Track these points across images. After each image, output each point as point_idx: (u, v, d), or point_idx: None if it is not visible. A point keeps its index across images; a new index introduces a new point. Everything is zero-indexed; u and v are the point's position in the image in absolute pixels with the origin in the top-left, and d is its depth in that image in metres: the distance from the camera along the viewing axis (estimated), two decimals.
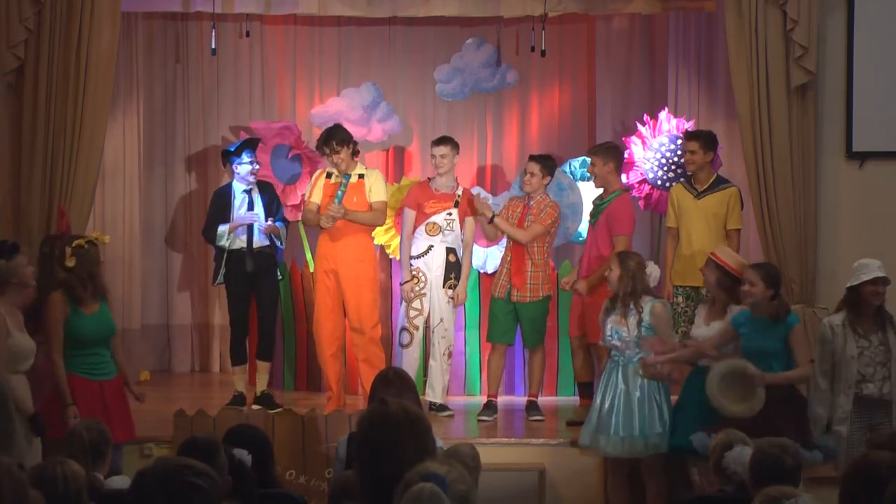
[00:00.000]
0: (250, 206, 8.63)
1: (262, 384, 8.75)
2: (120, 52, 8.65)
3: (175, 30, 10.53)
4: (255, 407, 8.52)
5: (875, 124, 8.54)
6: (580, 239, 9.39)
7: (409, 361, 8.64)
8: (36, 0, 7.96)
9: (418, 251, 8.70)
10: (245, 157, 8.66)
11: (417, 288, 8.67)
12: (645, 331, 7.20)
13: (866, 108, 8.51)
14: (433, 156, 8.75)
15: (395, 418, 3.16)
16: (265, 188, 8.79)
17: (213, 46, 9.24)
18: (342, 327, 8.70)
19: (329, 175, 8.62)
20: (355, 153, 8.61)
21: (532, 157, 8.68)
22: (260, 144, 9.70)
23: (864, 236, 8.41)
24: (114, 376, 6.97)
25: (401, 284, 8.78)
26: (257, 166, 8.76)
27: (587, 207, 9.07)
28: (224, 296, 9.12)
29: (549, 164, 8.62)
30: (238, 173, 8.67)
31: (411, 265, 8.69)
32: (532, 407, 8.55)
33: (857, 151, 8.56)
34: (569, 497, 7.80)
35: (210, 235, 8.64)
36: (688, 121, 9.30)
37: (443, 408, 8.63)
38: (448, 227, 8.68)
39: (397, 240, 9.29)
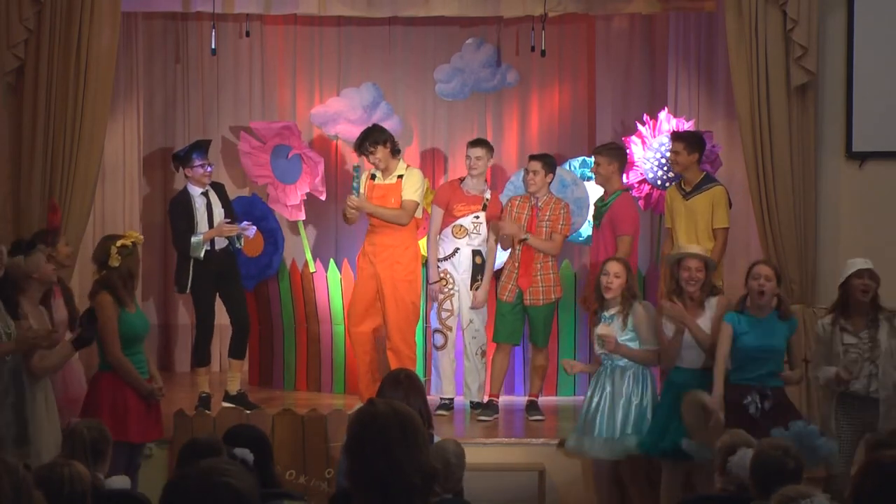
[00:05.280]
0: (209, 210, 8.53)
1: (235, 384, 8.64)
2: (120, 52, 8.64)
3: (175, 30, 10.53)
4: (225, 405, 8.43)
5: (875, 124, 8.54)
6: (580, 239, 9.39)
7: (444, 363, 8.75)
8: (36, 0, 7.96)
9: (445, 253, 8.73)
10: (196, 161, 8.54)
11: (447, 289, 8.70)
12: (629, 332, 7.24)
13: (866, 108, 8.51)
14: (468, 157, 8.72)
15: (384, 418, 3.15)
16: (218, 189, 8.70)
17: (213, 46, 9.22)
18: (372, 325, 8.64)
19: (373, 176, 8.60)
20: (395, 152, 8.57)
21: (533, 157, 8.67)
22: (260, 144, 9.72)
23: (864, 236, 8.41)
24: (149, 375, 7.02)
25: (429, 285, 8.81)
26: (210, 168, 8.64)
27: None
28: (217, 297, 8.97)
29: (550, 161, 8.63)
30: (191, 177, 8.57)
31: (438, 266, 8.73)
32: (532, 407, 8.56)
33: (857, 151, 8.56)
34: (569, 497, 7.80)
35: (183, 247, 8.46)
36: (688, 121, 9.29)
37: (479, 405, 8.66)
38: (475, 231, 8.69)
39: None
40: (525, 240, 8.44)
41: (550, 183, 8.63)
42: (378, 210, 8.47)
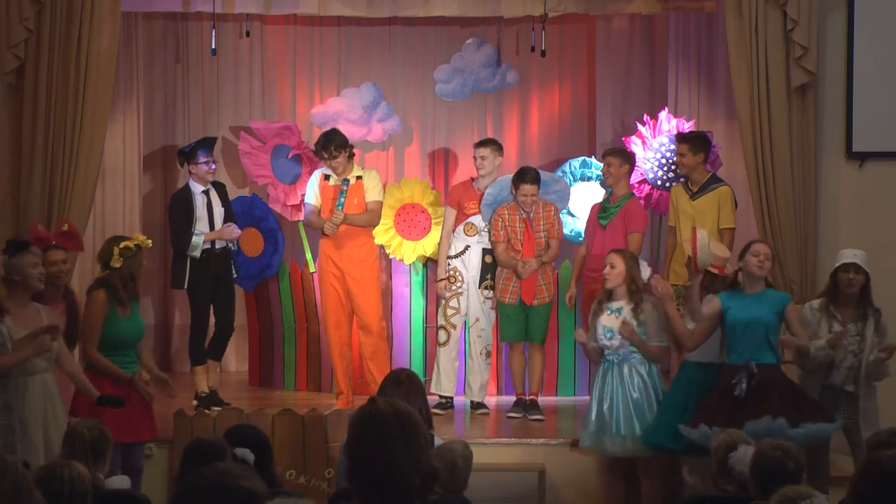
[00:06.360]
0: (209, 209, 8.56)
1: (212, 381, 8.67)
2: (120, 52, 8.64)
3: (175, 30, 10.53)
4: (194, 403, 8.43)
5: (875, 124, 8.55)
6: (579, 240, 9.39)
7: (445, 360, 8.76)
8: (36, 0, 7.96)
9: (456, 251, 8.75)
10: (200, 158, 8.57)
11: (454, 287, 8.71)
12: (638, 328, 7.25)
13: (866, 108, 8.52)
14: (474, 157, 8.80)
15: (385, 417, 3.15)
16: (219, 188, 8.73)
17: (214, 46, 9.23)
18: (348, 327, 8.74)
19: (327, 177, 8.66)
20: (351, 156, 8.67)
21: (524, 179, 8.38)
22: (260, 144, 9.72)
23: (864, 236, 8.40)
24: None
25: (436, 282, 8.85)
26: (213, 166, 8.70)
27: (575, 194, 9.25)
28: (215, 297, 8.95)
29: (539, 179, 8.53)
30: (195, 174, 8.60)
31: (448, 264, 8.74)
32: (532, 407, 8.56)
33: (857, 151, 8.57)
34: (569, 497, 7.79)
35: (183, 245, 8.50)
36: (688, 121, 9.29)
37: (480, 405, 8.71)
38: (485, 229, 8.69)
39: (398, 240, 9.30)
40: (544, 262, 8.45)
41: None
42: (354, 219, 8.56)
